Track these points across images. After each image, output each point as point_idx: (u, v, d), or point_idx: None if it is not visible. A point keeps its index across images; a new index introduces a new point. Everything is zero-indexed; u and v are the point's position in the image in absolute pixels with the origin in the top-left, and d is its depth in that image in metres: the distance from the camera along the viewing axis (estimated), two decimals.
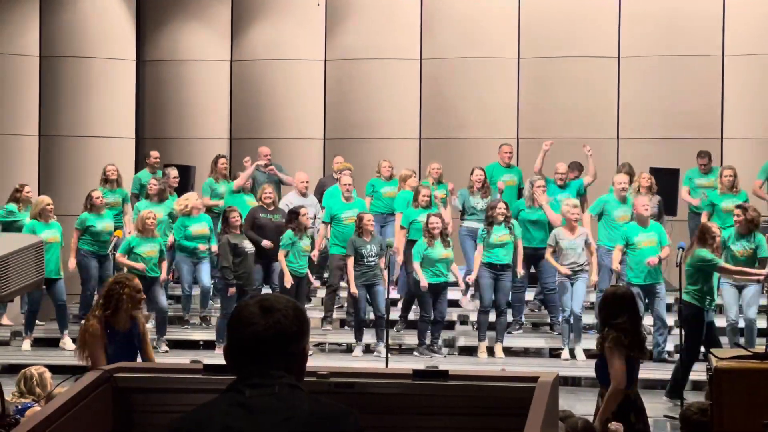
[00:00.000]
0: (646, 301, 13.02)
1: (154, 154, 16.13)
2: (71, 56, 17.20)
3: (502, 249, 13.43)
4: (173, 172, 15.53)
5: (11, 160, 16.88)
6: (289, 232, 13.55)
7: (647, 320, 13.13)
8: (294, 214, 13.64)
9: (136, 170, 16.93)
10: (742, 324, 12.62)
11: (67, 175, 16.94)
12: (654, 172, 14.70)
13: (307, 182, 15.07)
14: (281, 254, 13.55)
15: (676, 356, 12.42)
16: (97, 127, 17.24)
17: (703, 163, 14.95)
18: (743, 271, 11.98)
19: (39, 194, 16.55)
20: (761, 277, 12.13)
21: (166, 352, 13.58)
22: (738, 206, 12.67)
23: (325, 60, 17.91)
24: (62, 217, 14.64)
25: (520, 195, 14.70)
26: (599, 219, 14.02)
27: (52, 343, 14.20)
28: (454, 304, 14.50)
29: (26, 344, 13.98)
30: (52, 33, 17.21)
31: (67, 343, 13.62)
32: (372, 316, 13.73)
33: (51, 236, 13.56)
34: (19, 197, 14.50)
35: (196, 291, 14.62)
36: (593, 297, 13.75)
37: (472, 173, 14.53)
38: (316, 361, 12.58)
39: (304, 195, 14.92)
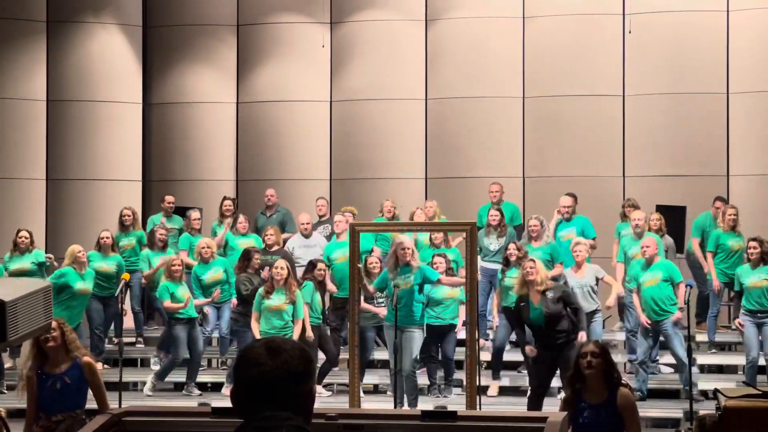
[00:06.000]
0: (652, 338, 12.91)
1: (169, 198, 15.90)
2: (78, 100, 17.28)
3: None
4: (195, 215, 15.34)
5: (19, 203, 16.92)
6: (310, 286, 13.00)
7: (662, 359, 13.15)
8: (311, 265, 13.27)
9: (143, 213, 16.89)
10: (761, 362, 12.64)
11: (75, 219, 16.96)
12: (660, 209, 14.66)
13: (308, 224, 14.97)
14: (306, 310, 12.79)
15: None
16: (104, 170, 17.28)
17: (719, 207, 14.73)
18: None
19: (46, 237, 16.61)
20: None
21: (200, 395, 13.26)
22: (754, 239, 12.82)
23: (331, 101, 17.95)
24: None
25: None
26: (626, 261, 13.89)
27: None
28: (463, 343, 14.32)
29: None
30: (59, 77, 17.30)
31: None
32: (375, 355, 13.60)
33: (83, 288, 13.37)
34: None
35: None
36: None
37: (487, 213, 14.40)
38: (324, 403, 12.51)
39: (306, 236, 14.86)
